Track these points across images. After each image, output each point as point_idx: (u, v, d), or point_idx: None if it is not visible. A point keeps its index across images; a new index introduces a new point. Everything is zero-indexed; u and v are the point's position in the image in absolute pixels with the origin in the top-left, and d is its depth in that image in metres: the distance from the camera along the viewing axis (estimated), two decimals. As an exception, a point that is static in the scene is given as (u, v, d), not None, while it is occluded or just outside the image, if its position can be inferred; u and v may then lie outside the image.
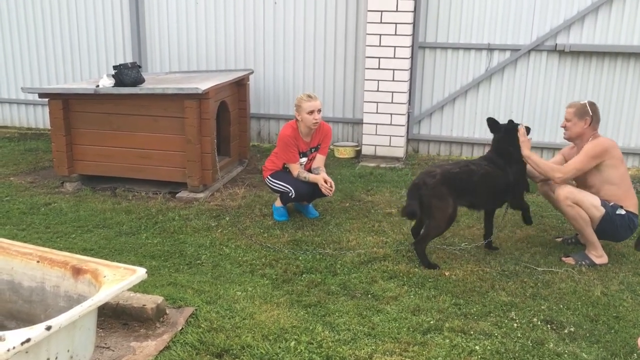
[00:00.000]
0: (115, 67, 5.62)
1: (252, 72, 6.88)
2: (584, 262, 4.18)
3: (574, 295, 3.76)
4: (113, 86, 5.57)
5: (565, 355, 3.09)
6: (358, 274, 4.02)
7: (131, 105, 5.59)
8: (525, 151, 4.27)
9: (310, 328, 3.31)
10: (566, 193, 4.12)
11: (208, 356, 3.03)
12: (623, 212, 4.13)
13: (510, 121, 4.43)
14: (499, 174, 4.27)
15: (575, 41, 6.42)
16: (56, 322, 2.33)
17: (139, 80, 5.67)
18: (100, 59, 7.72)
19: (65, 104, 5.68)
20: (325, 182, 4.82)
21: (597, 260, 4.18)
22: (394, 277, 3.98)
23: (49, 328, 2.28)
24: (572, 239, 4.57)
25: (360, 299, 3.68)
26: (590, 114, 4.19)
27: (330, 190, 4.82)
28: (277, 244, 4.54)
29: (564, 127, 4.31)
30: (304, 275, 4.00)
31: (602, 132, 6.51)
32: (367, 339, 3.22)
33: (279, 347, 3.11)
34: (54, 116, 5.69)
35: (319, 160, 5.03)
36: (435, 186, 4.10)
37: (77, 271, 2.85)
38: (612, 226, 4.14)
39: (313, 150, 5.02)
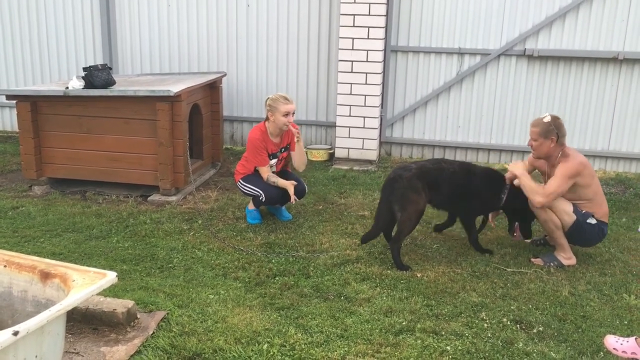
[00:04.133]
0: (85, 69, 5.54)
1: (225, 75, 6.86)
2: (552, 263, 4.25)
3: (543, 295, 3.83)
4: (83, 88, 5.49)
5: (534, 355, 3.15)
6: (331, 276, 4.03)
7: (102, 107, 5.52)
8: (517, 170, 4.25)
9: (283, 331, 3.31)
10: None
11: (180, 360, 3.01)
12: (594, 221, 4.18)
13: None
14: (463, 180, 4.35)
15: (543, 46, 6.55)
16: (24, 327, 2.28)
17: (110, 82, 5.60)
18: (70, 61, 7.61)
19: (34, 106, 5.59)
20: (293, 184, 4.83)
21: (566, 262, 4.26)
22: (367, 279, 4.00)
23: (16, 333, 2.24)
24: (541, 240, 4.65)
25: (333, 301, 3.69)
26: (555, 131, 4.14)
27: (295, 198, 4.82)
28: (250, 246, 4.52)
29: (531, 146, 4.26)
30: (276, 278, 4.00)
31: (570, 136, 6.64)
32: (340, 341, 3.23)
33: (252, 350, 3.10)
34: (22, 118, 5.59)
35: (293, 155, 5.03)
36: (411, 179, 4.18)
37: (45, 275, 2.80)
38: (581, 233, 4.21)
39: (283, 150, 5.02)
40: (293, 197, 4.79)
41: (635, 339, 3.06)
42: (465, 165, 4.53)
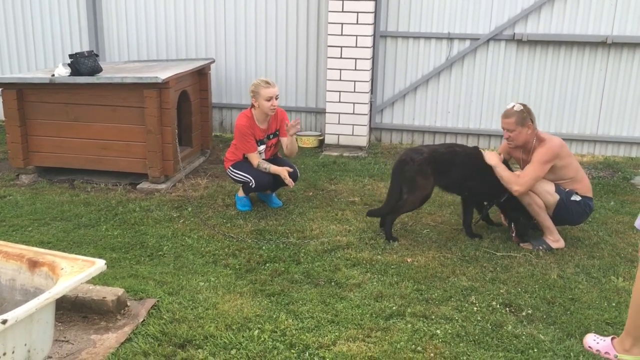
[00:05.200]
0: (71, 56, 5.48)
1: (213, 61, 6.80)
2: (541, 247, 4.28)
3: (532, 278, 3.85)
4: (69, 75, 5.43)
5: (523, 337, 3.18)
6: (321, 262, 4.04)
7: (89, 95, 5.47)
8: (492, 160, 4.26)
9: (274, 316, 3.31)
10: None
11: (170, 347, 3.01)
12: (578, 198, 4.22)
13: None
14: (474, 165, 4.35)
15: (532, 30, 6.54)
16: (12, 315, 2.27)
17: (97, 70, 5.54)
18: (56, 48, 7.52)
19: (20, 94, 5.52)
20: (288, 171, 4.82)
21: (554, 245, 4.29)
22: (357, 264, 4.01)
23: (4, 322, 2.23)
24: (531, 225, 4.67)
25: (324, 287, 3.69)
26: (529, 117, 4.17)
27: (292, 182, 4.83)
28: (240, 233, 4.52)
29: (508, 138, 4.24)
30: (267, 265, 4.00)
31: (558, 121, 6.74)
32: (331, 326, 3.24)
33: (243, 336, 3.10)
34: (8, 106, 5.53)
35: (285, 140, 5.00)
36: (422, 163, 4.27)
37: (33, 264, 2.78)
38: (567, 212, 4.24)
39: (271, 136, 5.00)
40: (291, 183, 4.79)
41: (612, 339, 3.08)
42: (477, 150, 4.50)
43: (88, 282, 2.96)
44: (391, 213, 4.42)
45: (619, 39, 6.34)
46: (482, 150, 4.42)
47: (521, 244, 4.34)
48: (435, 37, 6.73)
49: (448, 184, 4.49)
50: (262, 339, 3.09)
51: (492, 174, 4.27)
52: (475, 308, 3.46)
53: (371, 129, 7.16)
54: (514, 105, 4.22)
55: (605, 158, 6.63)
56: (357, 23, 6.48)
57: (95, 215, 4.86)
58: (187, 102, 6.14)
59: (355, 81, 6.67)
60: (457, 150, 4.42)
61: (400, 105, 7.05)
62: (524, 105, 4.22)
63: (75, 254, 3.14)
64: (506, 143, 4.43)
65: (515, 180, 4.15)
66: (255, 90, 4.76)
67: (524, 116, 4.15)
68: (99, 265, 2.72)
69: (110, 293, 3.31)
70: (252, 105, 4.84)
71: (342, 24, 6.51)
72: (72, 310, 3.29)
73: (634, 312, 2.93)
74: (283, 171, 4.79)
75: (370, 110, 6.99)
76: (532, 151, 4.22)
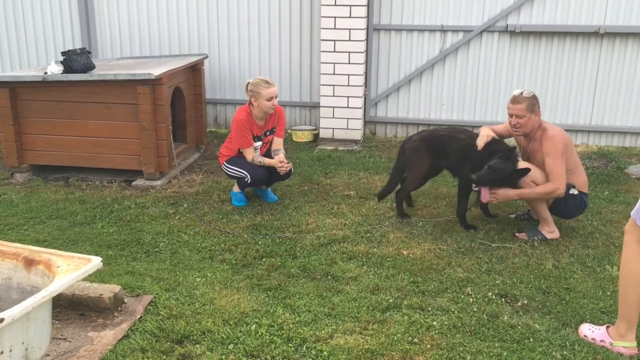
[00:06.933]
0: (63, 54, 5.47)
1: (206, 57, 6.78)
2: (536, 237, 4.30)
3: (527, 269, 3.87)
4: (62, 73, 5.42)
5: (519, 327, 3.19)
6: (318, 256, 4.05)
7: (82, 92, 5.45)
8: (510, 194, 4.17)
9: (271, 311, 3.32)
10: None
11: (168, 343, 3.01)
12: (576, 192, 4.22)
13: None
14: (470, 149, 4.33)
15: (525, 22, 6.55)
16: (9, 314, 2.28)
17: (89, 67, 5.53)
18: (48, 46, 7.48)
19: (13, 92, 5.50)
20: (281, 162, 4.84)
21: (549, 235, 4.31)
22: (353, 258, 4.03)
23: (1, 320, 2.24)
24: (525, 215, 4.69)
25: (320, 281, 3.70)
26: (537, 104, 4.16)
27: (287, 167, 4.84)
28: (236, 229, 4.52)
29: (516, 125, 4.17)
30: (263, 259, 4.01)
31: (552, 111, 6.76)
32: (328, 320, 3.25)
33: (240, 331, 3.11)
34: (1, 105, 5.51)
35: (277, 142, 5.02)
36: (418, 142, 4.54)
37: (29, 262, 2.78)
38: (564, 205, 4.24)
39: (268, 133, 5.00)
40: (285, 165, 4.82)
41: (607, 327, 3.10)
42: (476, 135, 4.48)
43: (85, 279, 2.96)
44: (399, 192, 4.71)
45: (612, 29, 6.35)
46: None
47: (516, 234, 4.36)
48: (428, 29, 6.73)
49: (447, 165, 4.64)
50: (260, 333, 3.10)
51: (485, 162, 4.22)
52: (471, 299, 3.48)
53: (366, 123, 7.17)
54: (522, 92, 4.18)
55: (599, 148, 6.66)
56: (350, 16, 6.47)
57: (91, 213, 4.86)
58: (181, 98, 6.13)
59: (349, 75, 6.66)
60: (459, 137, 4.46)
61: (395, 98, 7.05)
62: (533, 93, 4.21)
63: (72, 252, 3.14)
64: (509, 127, 4.34)
65: (552, 187, 4.04)
66: (255, 90, 4.72)
67: (534, 102, 4.14)
68: (95, 262, 2.73)
69: (107, 290, 3.31)
70: (250, 103, 4.82)
71: (335, 17, 6.50)
72: (69, 308, 3.29)
73: (622, 293, 2.98)
74: (276, 160, 4.82)
75: (365, 103, 6.99)
76: (534, 140, 4.21)
